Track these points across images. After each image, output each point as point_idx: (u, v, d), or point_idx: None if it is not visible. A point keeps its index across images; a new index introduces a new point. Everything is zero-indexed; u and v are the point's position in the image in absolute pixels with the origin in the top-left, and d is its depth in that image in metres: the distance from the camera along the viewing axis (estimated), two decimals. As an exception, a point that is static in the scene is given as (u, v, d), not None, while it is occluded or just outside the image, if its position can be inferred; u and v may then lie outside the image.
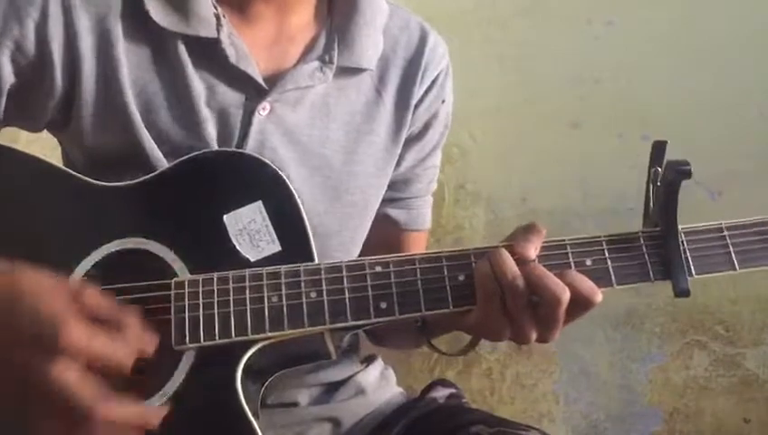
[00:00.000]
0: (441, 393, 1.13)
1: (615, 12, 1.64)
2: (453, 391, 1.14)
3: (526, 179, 1.67)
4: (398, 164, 1.09)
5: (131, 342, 0.73)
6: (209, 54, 0.96)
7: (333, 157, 1.02)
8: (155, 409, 0.78)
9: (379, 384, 1.13)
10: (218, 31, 0.95)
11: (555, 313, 0.80)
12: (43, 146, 1.10)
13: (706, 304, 1.67)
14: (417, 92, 1.07)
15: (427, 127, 1.10)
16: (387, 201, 1.11)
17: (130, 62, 0.95)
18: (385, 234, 1.10)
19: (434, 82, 1.08)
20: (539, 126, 1.66)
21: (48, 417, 0.70)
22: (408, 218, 1.13)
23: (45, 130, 1.04)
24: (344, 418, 1.07)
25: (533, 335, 0.82)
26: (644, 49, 1.63)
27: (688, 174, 0.80)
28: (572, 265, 0.84)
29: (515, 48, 1.66)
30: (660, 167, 0.85)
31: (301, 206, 0.88)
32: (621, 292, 1.69)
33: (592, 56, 1.65)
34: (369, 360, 1.16)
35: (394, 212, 1.12)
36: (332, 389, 1.08)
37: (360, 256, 1.08)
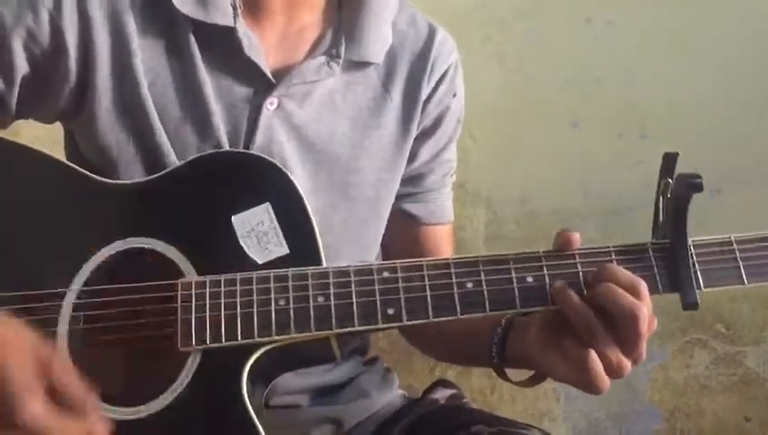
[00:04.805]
0: (442, 394, 1.12)
1: (615, 11, 1.64)
2: (454, 391, 1.13)
3: (526, 179, 1.67)
4: (413, 160, 1.08)
5: (87, 428, 0.71)
6: (222, 45, 0.96)
7: (340, 152, 1.01)
8: None
9: (381, 387, 1.12)
10: (234, 20, 0.95)
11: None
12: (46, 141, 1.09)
13: (707, 303, 1.66)
14: (426, 88, 1.06)
15: (439, 121, 1.08)
16: (403, 197, 1.09)
17: (144, 52, 0.95)
18: (406, 231, 1.09)
19: (443, 76, 1.07)
20: (539, 126, 1.66)
21: None
22: (427, 212, 1.11)
23: (46, 130, 1.04)
24: (346, 419, 1.07)
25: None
26: (644, 48, 1.63)
27: (700, 187, 0.79)
28: (581, 274, 0.82)
29: (515, 48, 1.66)
30: (671, 178, 0.83)
31: (309, 208, 0.87)
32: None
33: (592, 56, 1.65)
34: (371, 362, 1.16)
35: (411, 207, 1.10)
36: (335, 391, 1.08)
37: (383, 257, 1.08)
